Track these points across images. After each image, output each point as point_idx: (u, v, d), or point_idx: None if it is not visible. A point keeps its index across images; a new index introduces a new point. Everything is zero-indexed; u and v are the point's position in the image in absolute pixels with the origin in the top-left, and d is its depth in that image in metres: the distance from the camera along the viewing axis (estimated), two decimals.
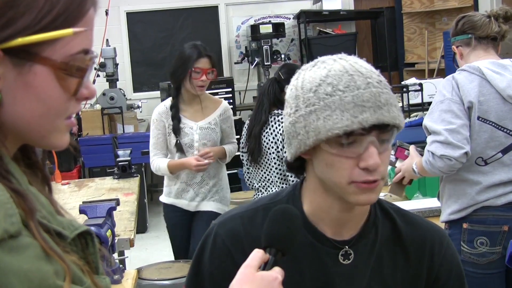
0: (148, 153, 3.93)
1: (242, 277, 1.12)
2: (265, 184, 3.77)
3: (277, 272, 1.14)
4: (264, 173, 3.74)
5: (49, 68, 0.84)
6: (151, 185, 8.20)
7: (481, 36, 2.75)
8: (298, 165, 1.37)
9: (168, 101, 3.87)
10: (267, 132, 3.68)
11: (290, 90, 1.33)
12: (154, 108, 3.95)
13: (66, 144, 0.91)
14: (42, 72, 0.84)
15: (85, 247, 0.92)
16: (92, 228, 2.29)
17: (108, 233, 2.39)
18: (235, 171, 6.68)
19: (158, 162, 3.82)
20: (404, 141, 3.62)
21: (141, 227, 6.52)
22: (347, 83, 1.24)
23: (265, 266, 1.15)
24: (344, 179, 1.26)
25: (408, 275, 1.41)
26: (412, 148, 3.02)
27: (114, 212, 2.70)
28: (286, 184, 3.66)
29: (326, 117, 1.23)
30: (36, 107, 0.85)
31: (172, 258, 4.16)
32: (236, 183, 6.62)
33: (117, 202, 2.72)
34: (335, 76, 1.25)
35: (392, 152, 3.20)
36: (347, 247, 1.37)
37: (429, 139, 2.68)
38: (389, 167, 3.62)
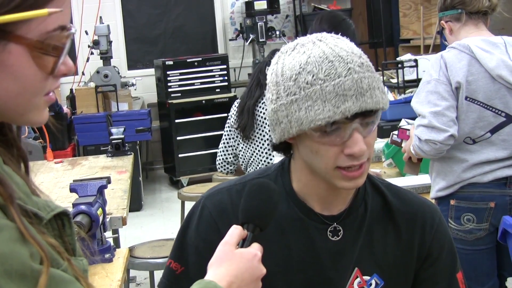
0: (142, 131, 3.83)
1: (221, 255, 1.11)
2: (258, 158, 3.74)
3: (256, 249, 1.13)
4: (257, 147, 3.71)
5: (24, 46, 0.82)
6: (146, 163, 8.18)
7: (471, 11, 2.71)
8: (284, 147, 1.36)
9: None
10: (264, 103, 3.67)
11: (270, 75, 1.30)
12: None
13: (45, 120, 0.90)
14: (16, 51, 0.82)
15: (62, 228, 0.91)
16: (83, 206, 2.30)
17: (99, 211, 2.37)
18: None
19: None
20: (399, 117, 3.60)
21: (136, 205, 6.51)
22: (327, 71, 1.20)
23: (244, 242, 1.14)
24: (330, 165, 1.25)
25: (399, 251, 1.40)
26: (412, 128, 3.01)
27: (107, 190, 2.68)
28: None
29: (307, 108, 1.21)
30: (12, 86, 0.83)
31: (166, 236, 4.17)
32: None
33: (108, 180, 2.70)
34: (315, 63, 1.21)
35: (396, 133, 3.23)
36: (335, 223, 1.36)
37: (416, 122, 2.67)
38: (384, 143, 3.62)
